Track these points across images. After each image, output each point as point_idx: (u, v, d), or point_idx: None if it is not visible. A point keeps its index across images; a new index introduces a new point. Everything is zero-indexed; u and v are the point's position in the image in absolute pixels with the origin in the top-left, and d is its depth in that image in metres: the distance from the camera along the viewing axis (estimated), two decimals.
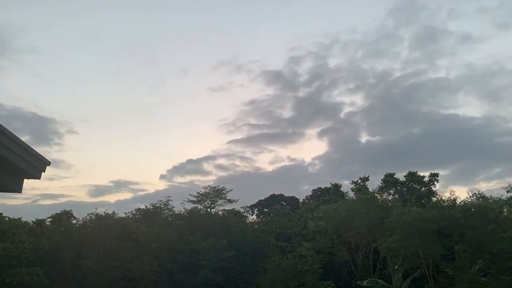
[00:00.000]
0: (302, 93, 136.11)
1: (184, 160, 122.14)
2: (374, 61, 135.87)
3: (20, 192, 5.89)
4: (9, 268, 33.85)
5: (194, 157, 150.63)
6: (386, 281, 39.06)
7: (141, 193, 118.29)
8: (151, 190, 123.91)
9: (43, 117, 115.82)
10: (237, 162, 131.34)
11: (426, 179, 55.48)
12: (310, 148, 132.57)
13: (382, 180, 57.07)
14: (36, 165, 5.63)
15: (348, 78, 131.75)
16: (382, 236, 40.18)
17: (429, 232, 38.67)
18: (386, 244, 38.51)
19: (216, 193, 59.94)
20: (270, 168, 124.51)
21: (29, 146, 5.30)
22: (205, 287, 42.09)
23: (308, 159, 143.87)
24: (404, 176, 56.25)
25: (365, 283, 38.23)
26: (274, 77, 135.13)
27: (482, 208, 40.48)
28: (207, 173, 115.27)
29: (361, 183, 58.47)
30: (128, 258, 40.06)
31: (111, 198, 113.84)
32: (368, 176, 59.61)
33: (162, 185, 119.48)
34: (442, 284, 38.77)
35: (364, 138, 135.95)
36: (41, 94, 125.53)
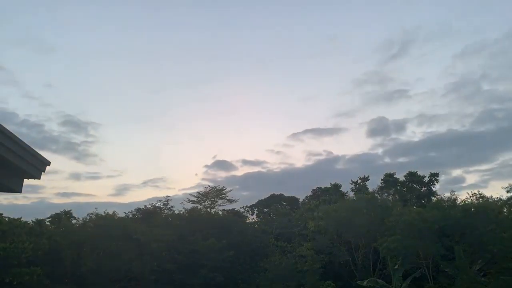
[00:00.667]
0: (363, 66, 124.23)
1: (216, 159, 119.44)
2: (474, 16, 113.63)
3: (20, 192, 5.89)
4: (9, 268, 33.82)
5: (230, 156, 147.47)
6: (386, 281, 39.06)
7: (166, 191, 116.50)
8: (178, 188, 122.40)
9: (78, 107, 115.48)
10: (272, 159, 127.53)
11: (426, 179, 55.52)
12: (352, 141, 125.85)
13: (382, 180, 57.08)
14: (36, 165, 5.63)
15: (428, 38, 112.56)
16: (382, 236, 40.20)
17: (429, 232, 38.70)
18: (386, 244, 38.53)
19: (216, 193, 59.96)
20: (305, 163, 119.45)
21: (29, 146, 5.30)
22: (205, 287, 42.07)
23: (347, 152, 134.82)
24: (404, 176, 56.29)
25: (365, 283, 38.24)
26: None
27: (482, 208, 40.56)
28: (236, 170, 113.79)
29: (361, 183, 58.50)
30: (128, 258, 40.04)
31: (134, 197, 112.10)
32: (368, 176, 59.68)
33: (191, 184, 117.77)
34: (442, 284, 38.78)
35: (414, 129, 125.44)
36: (81, 85, 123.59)
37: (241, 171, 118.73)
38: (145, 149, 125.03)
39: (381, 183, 57.10)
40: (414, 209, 43.15)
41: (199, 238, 45.05)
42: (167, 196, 56.69)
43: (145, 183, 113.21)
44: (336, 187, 61.10)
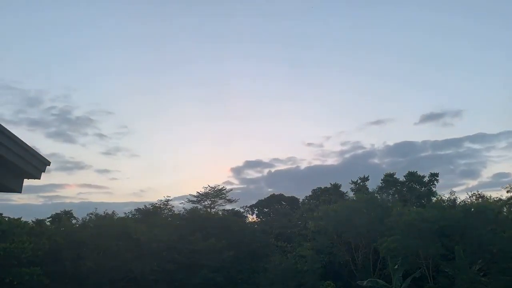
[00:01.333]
0: None
1: (247, 159, 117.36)
2: None
3: (20, 192, 5.88)
4: (9, 268, 33.83)
5: (262, 155, 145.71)
6: (386, 281, 39.05)
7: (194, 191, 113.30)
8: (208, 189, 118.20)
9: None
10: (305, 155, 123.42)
11: (426, 179, 55.49)
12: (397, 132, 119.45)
13: (382, 180, 57.05)
14: (36, 165, 5.62)
15: None
16: (382, 236, 40.20)
17: (429, 232, 38.70)
18: (386, 244, 38.54)
19: (216, 193, 59.98)
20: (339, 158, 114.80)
21: (29, 146, 5.30)
22: (205, 287, 42.08)
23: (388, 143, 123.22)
24: (404, 176, 56.24)
25: (365, 283, 38.23)
26: None
27: (482, 208, 40.56)
28: (269, 167, 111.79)
29: (361, 183, 58.45)
30: (128, 258, 40.05)
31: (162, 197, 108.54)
32: (368, 176, 59.60)
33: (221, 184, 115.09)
34: (442, 284, 38.77)
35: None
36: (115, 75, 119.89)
37: (272, 169, 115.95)
38: (179, 148, 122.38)
39: (381, 183, 57.07)
40: (414, 209, 43.14)
41: (199, 238, 45.05)
42: (167, 196, 56.79)
43: (175, 183, 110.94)
44: (336, 187, 61.08)
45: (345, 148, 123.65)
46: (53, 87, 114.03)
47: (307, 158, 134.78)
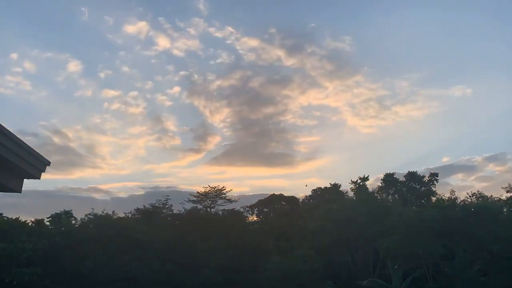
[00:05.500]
0: None
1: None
2: None
3: (20, 192, 5.88)
4: (9, 268, 33.83)
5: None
6: (386, 281, 39.04)
7: None
8: None
9: None
10: None
11: (426, 179, 55.51)
12: None
13: (382, 180, 57.05)
14: (36, 165, 5.62)
15: None
16: (382, 236, 40.19)
17: (429, 232, 38.70)
18: (386, 244, 38.55)
19: (216, 193, 59.87)
20: None
21: (29, 146, 5.28)
22: (205, 287, 42.05)
23: None
24: (404, 176, 56.26)
25: (365, 283, 38.21)
26: None
27: (482, 208, 40.58)
28: None
29: (361, 183, 58.42)
30: (128, 258, 40.04)
31: None
32: (368, 176, 59.56)
33: None
34: (442, 284, 38.78)
35: None
36: None
37: None
38: None
39: (381, 183, 57.09)
40: (414, 209, 43.16)
41: (199, 238, 45.04)
42: (167, 196, 56.66)
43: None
44: (336, 187, 61.06)
45: None
46: None
47: None
